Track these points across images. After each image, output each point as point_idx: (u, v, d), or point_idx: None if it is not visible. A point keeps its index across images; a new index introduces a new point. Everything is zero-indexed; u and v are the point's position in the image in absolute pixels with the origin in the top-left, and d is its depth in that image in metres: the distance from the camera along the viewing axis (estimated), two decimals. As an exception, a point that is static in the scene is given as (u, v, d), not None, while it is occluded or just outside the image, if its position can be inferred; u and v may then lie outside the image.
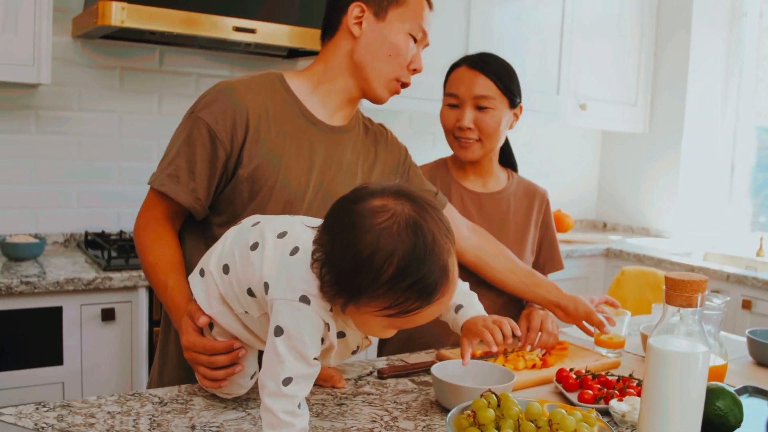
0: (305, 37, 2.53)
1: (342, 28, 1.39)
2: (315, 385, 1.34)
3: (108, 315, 2.21)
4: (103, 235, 2.64)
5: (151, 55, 2.78)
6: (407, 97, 3.02)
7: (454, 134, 1.75)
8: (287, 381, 0.98)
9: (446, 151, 1.86)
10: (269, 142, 1.33)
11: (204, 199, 1.32)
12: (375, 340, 1.19)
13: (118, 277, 2.20)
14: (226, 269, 1.11)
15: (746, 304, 3.00)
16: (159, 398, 1.23)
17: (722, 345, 1.45)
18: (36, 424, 1.10)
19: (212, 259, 1.14)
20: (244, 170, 1.32)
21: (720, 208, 3.99)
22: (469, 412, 1.07)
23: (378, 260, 0.91)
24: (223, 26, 2.37)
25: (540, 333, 1.60)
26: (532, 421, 1.02)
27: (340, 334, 1.07)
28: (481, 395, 1.05)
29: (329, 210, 1.00)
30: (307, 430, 1.00)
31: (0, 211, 2.57)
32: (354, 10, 1.37)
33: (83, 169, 2.70)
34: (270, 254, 1.05)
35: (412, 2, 1.39)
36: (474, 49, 2.06)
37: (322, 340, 1.03)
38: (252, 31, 2.42)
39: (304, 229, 1.06)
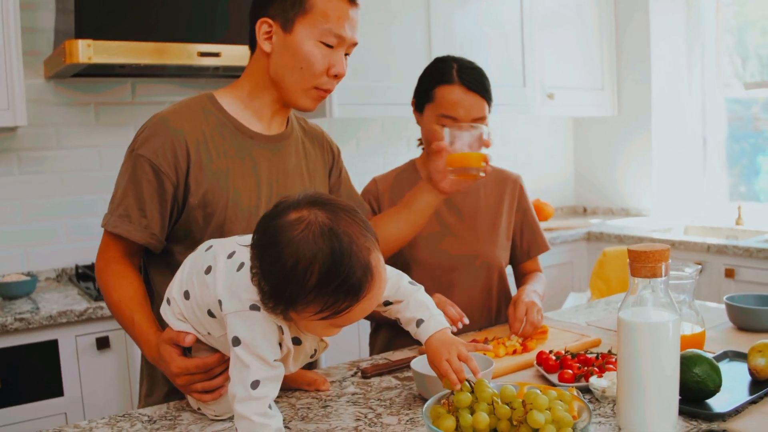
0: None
1: (258, 45, 1.39)
2: (299, 390, 1.38)
3: (103, 343, 2.25)
4: (93, 267, 2.67)
5: (123, 87, 2.83)
6: (376, 104, 3.09)
7: None
8: (255, 384, 1.03)
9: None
10: (213, 165, 1.35)
11: (159, 233, 1.35)
12: (334, 339, 1.20)
13: (110, 306, 2.23)
14: (186, 295, 1.17)
15: (729, 273, 3.06)
16: (148, 417, 1.27)
17: (698, 313, 1.48)
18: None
19: (174, 286, 1.21)
20: (194, 198, 1.34)
21: (696, 182, 4.05)
22: (444, 400, 1.10)
23: (301, 270, 0.96)
24: (188, 53, 2.43)
25: (524, 322, 1.63)
26: (507, 404, 1.05)
27: (296, 341, 1.13)
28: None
29: (255, 227, 1.04)
30: (282, 430, 1.04)
31: (-9, 252, 2.62)
32: (262, 27, 1.36)
33: (68, 204, 2.75)
34: (221, 274, 1.10)
35: (319, 8, 1.34)
36: (437, 53, 2.08)
37: (280, 345, 1.08)
38: (217, 54, 2.47)
39: (245, 247, 1.10)
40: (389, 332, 1.82)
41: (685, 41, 3.99)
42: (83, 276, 2.63)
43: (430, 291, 1.74)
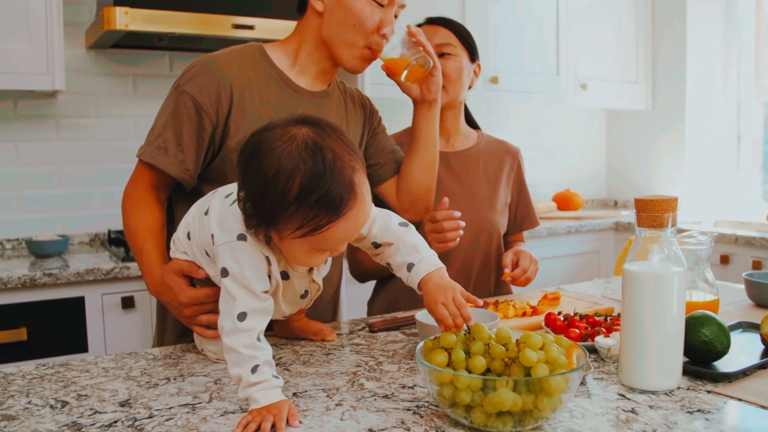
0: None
1: (309, 5, 1.42)
2: (305, 339, 1.39)
3: (128, 303, 2.31)
4: (124, 232, 2.74)
5: (161, 61, 2.90)
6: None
7: None
8: (242, 316, 1.03)
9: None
10: (255, 112, 1.38)
11: (193, 170, 1.37)
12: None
13: (135, 266, 2.29)
14: (189, 236, 1.20)
15: (756, 265, 3.03)
16: (153, 355, 1.30)
17: (713, 282, 1.45)
18: (33, 375, 1.20)
19: (180, 228, 1.24)
20: (232, 141, 1.37)
21: (728, 179, 3.99)
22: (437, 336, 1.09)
23: (282, 179, 0.96)
24: (223, 24, 2.48)
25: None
26: (502, 345, 1.04)
27: (284, 275, 1.13)
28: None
29: (241, 146, 1.05)
30: (272, 363, 1.03)
31: (28, 215, 2.71)
32: None
33: (103, 171, 2.83)
34: (215, 212, 1.12)
35: None
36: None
37: (269, 277, 1.09)
38: (251, 27, 2.51)
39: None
40: (388, 297, 1.83)
41: (723, 39, 3.93)
42: (115, 241, 2.69)
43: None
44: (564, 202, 3.84)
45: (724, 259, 3.12)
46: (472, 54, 1.83)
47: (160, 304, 1.51)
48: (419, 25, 1.83)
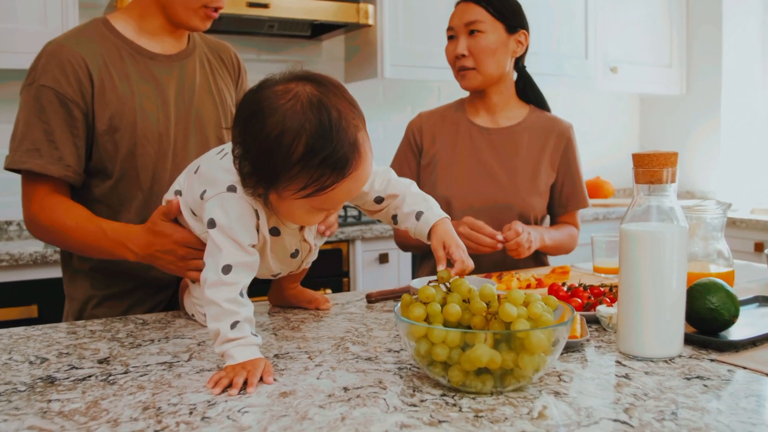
0: (318, 10, 2.58)
1: None
2: (299, 308, 1.36)
3: (140, 281, 2.30)
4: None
5: (181, 43, 2.89)
6: (432, 67, 3.05)
7: (456, 66, 1.77)
8: (227, 269, 0.99)
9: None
10: (116, 89, 1.32)
11: (75, 165, 1.30)
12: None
13: (148, 245, 2.28)
14: (179, 193, 1.18)
15: (790, 252, 2.88)
16: (143, 320, 1.29)
17: (728, 256, 1.38)
18: (20, 335, 1.19)
19: (172, 189, 1.22)
20: (101, 123, 1.30)
21: (766, 166, 3.84)
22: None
23: (287, 140, 0.93)
24: (237, 3, 2.46)
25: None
26: (486, 303, 0.99)
27: (274, 231, 1.10)
28: (429, 282, 1.03)
29: (238, 104, 1.01)
30: (253, 321, 1.00)
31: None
32: None
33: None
34: (205, 168, 1.10)
35: None
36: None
37: (257, 231, 1.05)
38: (265, 6, 2.50)
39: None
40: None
41: (761, 19, 3.79)
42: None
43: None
44: (594, 189, 3.74)
45: (759, 247, 3.01)
46: (510, 25, 1.74)
47: (68, 274, 1.49)
48: (457, 4, 1.79)
